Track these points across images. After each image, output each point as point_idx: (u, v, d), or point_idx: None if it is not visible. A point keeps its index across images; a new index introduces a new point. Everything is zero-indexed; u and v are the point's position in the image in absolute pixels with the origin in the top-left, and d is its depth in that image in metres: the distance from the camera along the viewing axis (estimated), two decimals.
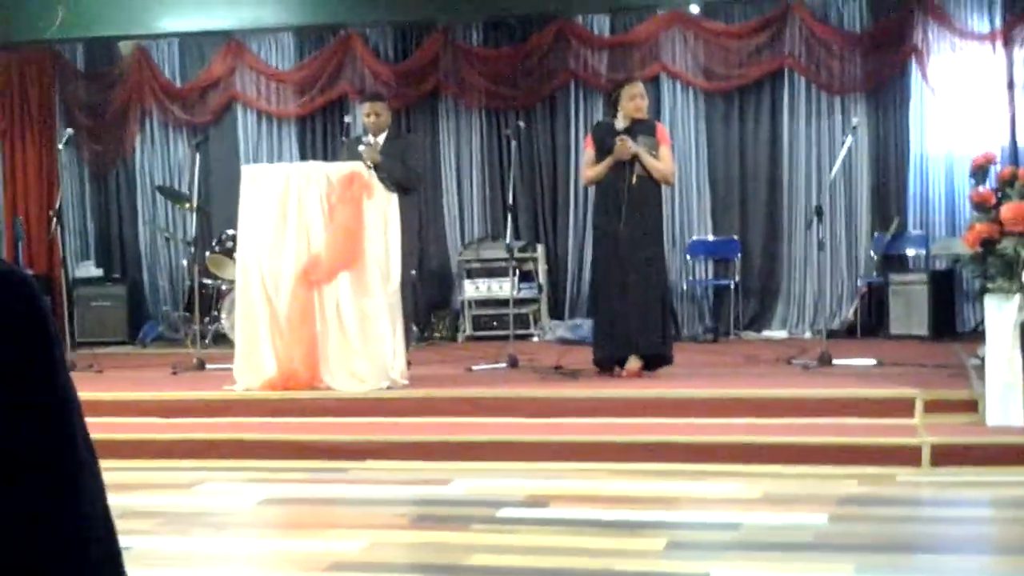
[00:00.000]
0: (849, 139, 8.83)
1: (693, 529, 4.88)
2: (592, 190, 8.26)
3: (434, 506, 5.40)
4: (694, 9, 11.10)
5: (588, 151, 7.91)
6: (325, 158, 10.92)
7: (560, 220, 11.66)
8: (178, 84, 12.21)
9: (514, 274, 9.86)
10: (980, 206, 6.24)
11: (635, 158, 7.59)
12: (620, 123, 7.74)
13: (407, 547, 4.74)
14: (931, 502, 5.41)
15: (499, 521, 5.03)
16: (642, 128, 7.72)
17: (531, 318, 11.11)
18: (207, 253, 10.22)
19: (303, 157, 11.74)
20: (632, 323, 7.61)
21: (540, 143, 11.69)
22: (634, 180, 7.60)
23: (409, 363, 7.69)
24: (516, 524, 4.97)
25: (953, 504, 5.33)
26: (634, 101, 7.73)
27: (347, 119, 9.99)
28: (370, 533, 4.86)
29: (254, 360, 7.37)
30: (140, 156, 12.34)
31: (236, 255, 7.97)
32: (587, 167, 7.93)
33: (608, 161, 7.66)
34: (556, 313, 11.45)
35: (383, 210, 7.47)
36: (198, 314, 9.49)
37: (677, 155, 11.11)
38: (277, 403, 7.10)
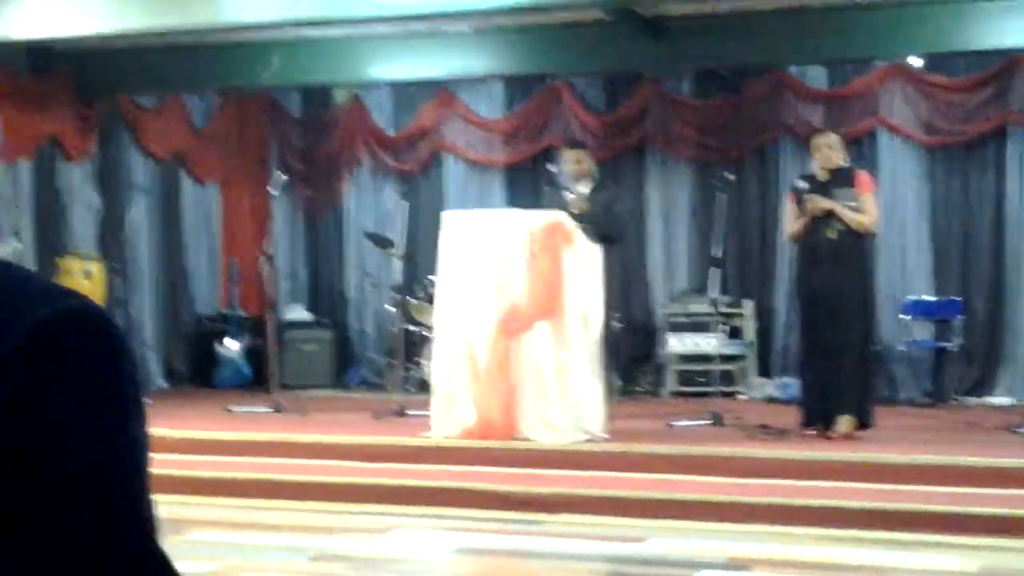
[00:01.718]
0: None
1: None
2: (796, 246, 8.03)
3: (629, 564, 5.22)
4: (915, 62, 10.69)
5: (790, 206, 7.72)
6: (531, 207, 10.92)
7: (770, 276, 11.33)
8: (389, 132, 12.43)
9: (720, 329, 9.61)
10: None
11: (830, 213, 7.35)
12: (820, 175, 7.54)
13: None
14: None
15: None
16: (840, 179, 7.47)
17: (737, 375, 10.81)
18: (412, 300, 10.31)
19: (509, 206, 11.75)
20: (834, 382, 7.32)
21: (750, 196, 11.42)
22: (834, 235, 7.35)
23: (610, 416, 7.53)
24: None
25: None
26: (819, 152, 7.54)
27: (551, 167, 9.96)
28: None
29: (452, 408, 7.33)
30: (350, 202, 12.59)
31: (436, 301, 7.98)
32: (789, 223, 7.74)
33: (803, 219, 7.46)
34: (764, 371, 11.11)
35: (585, 260, 7.36)
36: (402, 360, 9.54)
37: (895, 210, 10.69)
38: (474, 452, 7.05)
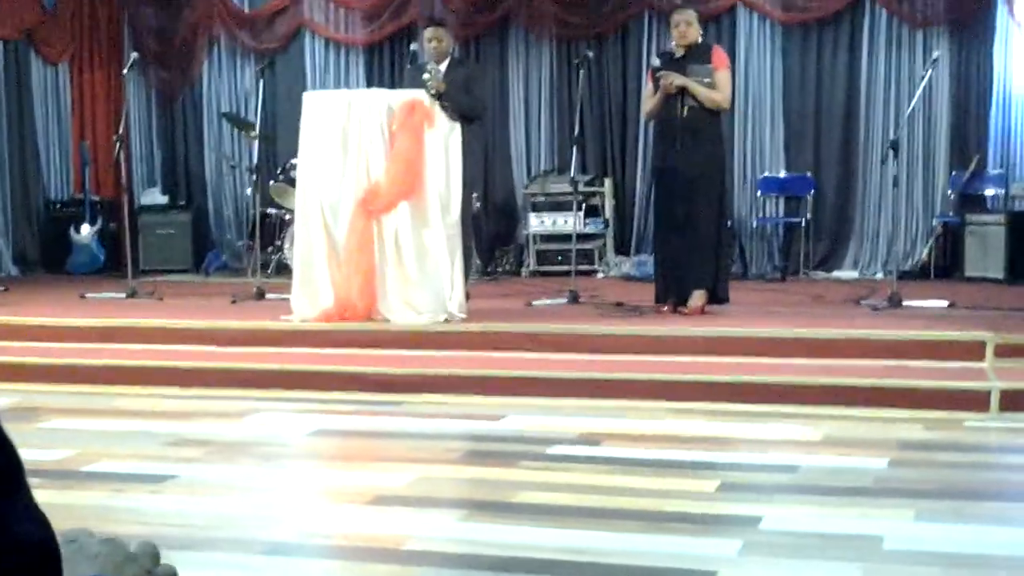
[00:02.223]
0: (929, 73, 8.53)
1: (748, 471, 4.74)
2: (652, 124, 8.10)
3: (485, 442, 5.31)
4: None
5: (648, 85, 7.75)
6: (392, 87, 10.80)
7: (629, 154, 11.46)
8: (246, 10, 12.14)
9: (579, 209, 9.70)
10: None
11: (683, 89, 7.39)
12: (676, 52, 7.57)
13: (454, 482, 4.66)
14: (998, 448, 5.23)
15: (549, 458, 4.93)
16: (696, 55, 7.51)
17: (596, 254, 10.96)
18: (271, 182, 10.18)
19: (370, 85, 11.63)
20: (688, 259, 7.47)
21: (611, 74, 11.47)
22: (685, 112, 7.42)
23: (469, 296, 7.60)
24: (566, 462, 4.87)
25: (1020, 451, 5.14)
26: (677, 29, 7.56)
27: (413, 46, 9.82)
28: (418, 467, 4.78)
29: (311, 290, 7.31)
30: (207, 82, 12.32)
31: (296, 184, 7.90)
32: (645, 100, 7.79)
33: (658, 96, 7.50)
34: (622, 249, 11.29)
35: (445, 140, 7.34)
36: (260, 243, 9.45)
37: (750, 87, 10.85)
38: (333, 334, 7.06)
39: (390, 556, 3.69)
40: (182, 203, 12.07)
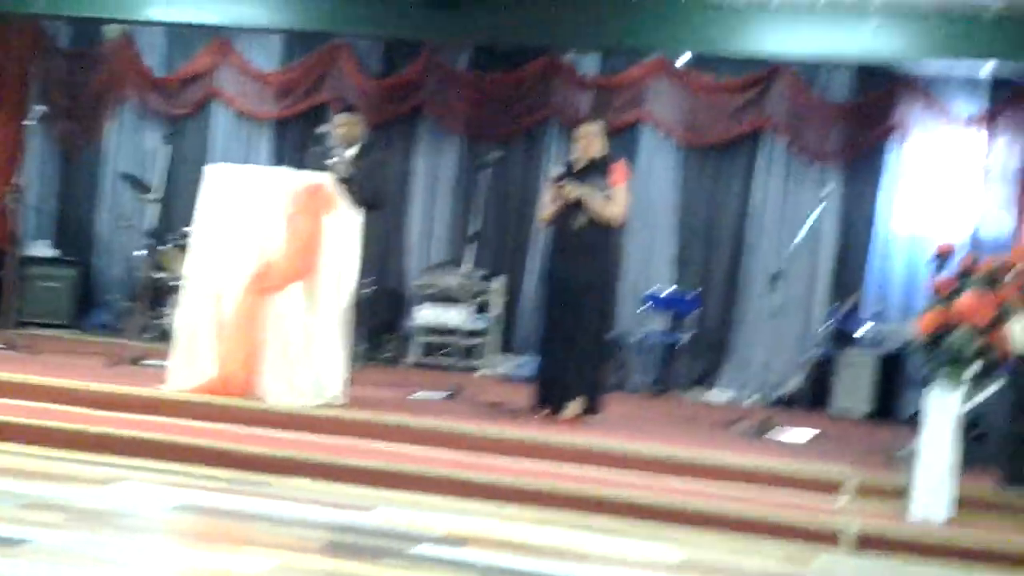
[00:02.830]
0: (819, 208, 8.86)
1: None
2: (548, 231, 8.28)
3: (350, 533, 5.31)
4: (683, 60, 11.12)
5: (548, 192, 7.92)
6: (299, 164, 10.85)
7: (522, 256, 11.64)
8: (159, 73, 12.15)
9: (469, 304, 9.81)
10: (937, 294, 6.24)
11: (579, 201, 7.59)
12: (578, 163, 7.79)
13: (316, 573, 4.65)
14: None
15: (413, 558, 4.95)
16: (597, 168, 7.73)
17: (480, 350, 11.06)
18: (162, 247, 10.13)
19: (277, 160, 11.70)
20: (568, 368, 7.61)
21: (513, 175, 11.69)
22: (580, 223, 7.61)
23: (350, 382, 7.61)
24: (430, 563, 4.90)
25: None
26: (580, 142, 7.79)
27: (320, 128, 9.91)
28: (280, 554, 4.77)
29: (192, 361, 7.29)
30: (111, 141, 12.27)
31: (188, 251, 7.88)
32: (545, 207, 7.97)
33: (556, 205, 7.69)
34: (506, 348, 11.41)
35: (344, 225, 7.41)
36: (146, 307, 9.37)
37: (649, 204, 11.12)
38: (209, 407, 7.02)
39: None
40: (70, 258, 11.91)
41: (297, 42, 11.93)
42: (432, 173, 11.89)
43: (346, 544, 5.12)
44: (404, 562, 4.87)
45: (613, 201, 7.69)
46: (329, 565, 4.77)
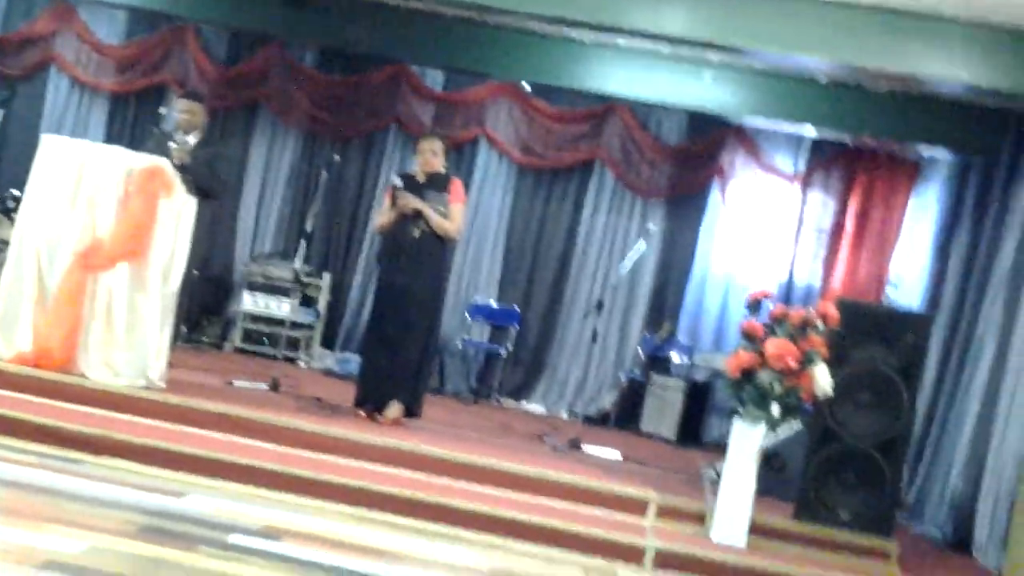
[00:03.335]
0: (642, 242, 9.20)
1: None
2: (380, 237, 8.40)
3: (165, 519, 5.32)
4: (526, 86, 11.39)
5: (387, 200, 8.06)
6: (132, 140, 10.73)
7: (352, 255, 11.72)
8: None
9: (295, 296, 9.84)
10: (748, 336, 6.58)
11: (418, 213, 7.76)
12: (418, 176, 7.94)
13: (129, 557, 4.65)
14: None
15: (229, 547, 5.00)
16: (436, 183, 7.90)
17: (303, 343, 11.09)
18: None
19: (109, 134, 11.50)
20: (392, 371, 7.74)
21: (351, 177, 11.75)
22: (417, 234, 7.78)
23: (171, 364, 7.57)
24: (245, 553, 4.96)
25: None
26: (422, 156, 7.98)
27: (162, 110, 9.82)
28: (93, 535, 4.76)
29: (9, 330, 7.14)
30: None
31: (16, 218, 7.71)
32: (381, 214, 8.10)
33: (392, 213, 7.84)
34: (329, 343, 11.46)
35: (178, 211, 7.38)
36: None
37: (480, 218, 11.35)
38: (23, 379, 6.89)
39: None
40: None
41: (143, 19, 11.75)
42: (269, 165, 11.86)
43: (160, 529, 5.12)
44: (219, 551, 4.91)
45: (451, 218, 7.88)
46: (142, 549, 4.78)
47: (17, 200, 8.68)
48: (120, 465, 6.16)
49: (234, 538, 5.15)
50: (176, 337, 8.10)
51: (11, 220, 8.73)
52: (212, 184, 8.02)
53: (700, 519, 6.72)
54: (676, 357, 11.15)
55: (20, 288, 7.17)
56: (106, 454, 6.23)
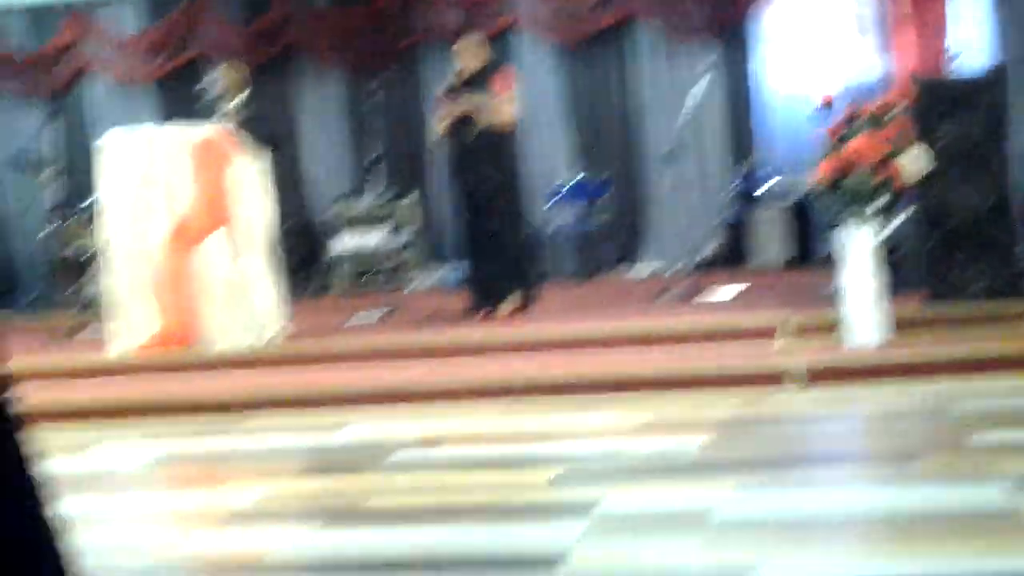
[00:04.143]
0: (701, 82, 9.07)
1: (580, 460, 5.03)
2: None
3: (326, 454, 5.47)
4: None
5: (438, 109, 8.04)
6: (185, 120, 10.80)
7: (429, 170, 11.73)
8: (24, 56, 11.97)
9: (386, 224, 9.92)
10: (828, 142, 6.51)
11: (470, 114, 7.73)
12: (462, 76, 7.90)
13: (303, 495, 4.81)
14: (802, 420, 5.67)
15: (392, 464, 5.13)
16: (481, 79, 7.86)
17: (404, 268, 11.19)
18: (69, 222, 10.07)
19: (162, 120, 11.59)
20: (496, 268, 7.79)
21: (400, 97, 11.72)
22: (474, 134, 7.76)
23: (285, 318, 7.71)
24: (409, 466, 5.09)
25: (822, 420, 5.59)
26: (461, 57, 7.92)
27: (202, 83, 9.87)
28: (265, 484, 4.92)
29: (131, 323, 7.34)
30: None
31: (101, 222, 7.88)
32: (436, 124, 8.09)
33: (447, 119, 7.82)
34: (428, 262, 11.55)
35: (247, 170, 7.47)
36: (63, 281, 9.33)
37: (536, 105, 11.27)
38: (159, 363, 7.10)
39: (253, 570, 3.84)
40: None
41: (158, 5, 11.82)
42: (319, 107, 11.90)
43: (326, 463, 5.28)
44: (384, 470, 5.05)
45: (501, 108, 7.83)
46: (315, 484, 4.94)
47: (93, 206, 8.84)
48: (271, 418, 6.33)
49: (396, 456, 5.28)
50: (284, 293, 8.25)
51: (96, 227, 8.91)
52: (271, 135, 8.10)
53: (834, 329, 6.71)
54: (767, 185, 11.05)
55: (128, 282, 7.34)
56: (254, 411, 6.40)
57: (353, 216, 11.23)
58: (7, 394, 0.89)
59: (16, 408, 0.88)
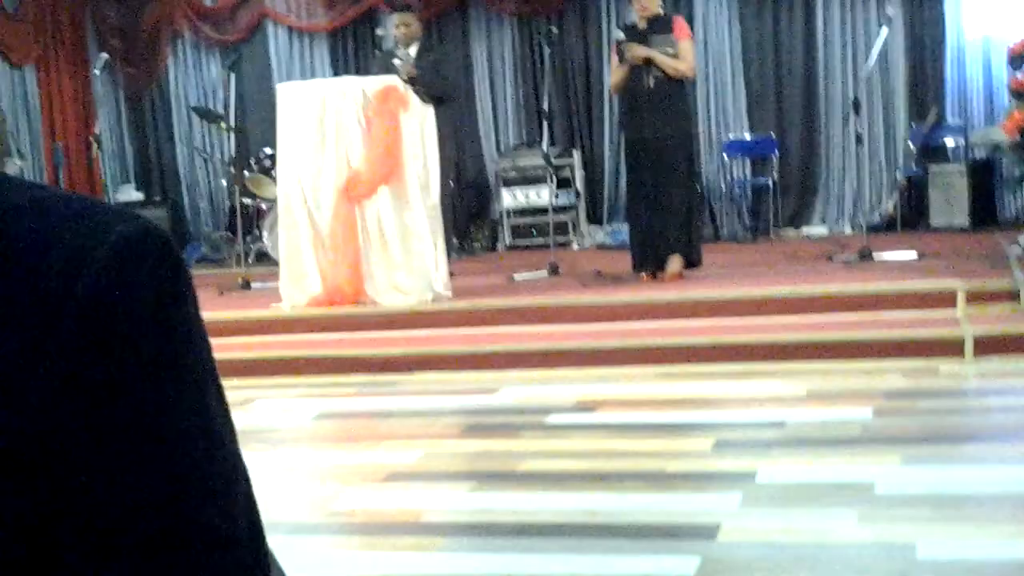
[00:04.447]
0: (884, 30, 8.72)
1: (739, 428, 4.95)
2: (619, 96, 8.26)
3: (484, 415, 5.50)
4: None
5: (614, 57, 7.91)
6: (357, 72, 10.94)
7: (596, 126, 11.64)
8: (208, 2, 12.23)
9: (552, 181, 9.88)
10: (1019, 93, 6.20)
11: (648, 60, 7.57)
12: (639, 24, 7.75)
13: (460, 455, 4.85)
14: (974, 392, 5.47)
15: (548, 427, 5.13)
16: (658, 26, 7.69)
17: (570, 225, 11.14)
18: (246, 173, 10.29)
19: (335, 72, 11.76)
20: (662, 227, 7.66)
21: (573, 48, 11.63)
22: (652, 83, 7.60)
23: (452, 274, 7.77)
24: (565, 430, 5.07)
25: (996, 393, 5.38)
26: (638, 2, 7.72)
27: (379, 32, 9.95)
28: (424, 443, 4.97)
29: (299, 278, 7.47)
30: (174, 77, 12.41)
31: (276, 174, 8.03)
32: (612, 73, 7.96)
33: (623, 68, 7.67)
34: (595, 219, 11.49)
35: (420, 123, 7.49)
36: (240, 234, 9.58)
37: (711, 54, 11.05)
38: (324, 319, 7.22)
39: (409, 529, 3.89)
40: (157, 198, 12.18)
41: None
42: (491, 58, 11.87)
43: (483, 424, 5.30)
44: (542, 432, 5.05)
45: (682, 56, 7.66)
46: (473, 446, 4.97)
47: (272, 157, 9.02)
48: (430, 378, 6.39)
49: (552, 418, 5.27)
50: (450, 250, 8.30)
51: (272, 178, 9.09)
52: (444, 88, 8.12)
53: (1014, 296, 6.42)
54: (951, 141, 10.61)
55: (297, 236, 7.46)
56: (417, 370, 6.47)
57: (521, 171, 11.22)
58: None
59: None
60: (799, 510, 3.75)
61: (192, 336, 0.82)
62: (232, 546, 0.81)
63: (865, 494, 3.84)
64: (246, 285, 8.70)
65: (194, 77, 12.37)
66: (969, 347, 5.87)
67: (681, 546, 3.49)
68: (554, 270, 8.48)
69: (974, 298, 6.49)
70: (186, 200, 12.37)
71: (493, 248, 11.36)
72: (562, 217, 11.05)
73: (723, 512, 3.76)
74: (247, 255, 9.88)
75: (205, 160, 11.83)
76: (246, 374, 6.56)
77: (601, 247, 10.69)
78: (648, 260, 7.83)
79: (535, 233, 11.03)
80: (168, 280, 0.80)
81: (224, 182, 10.70)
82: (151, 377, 0.78)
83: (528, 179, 11.14)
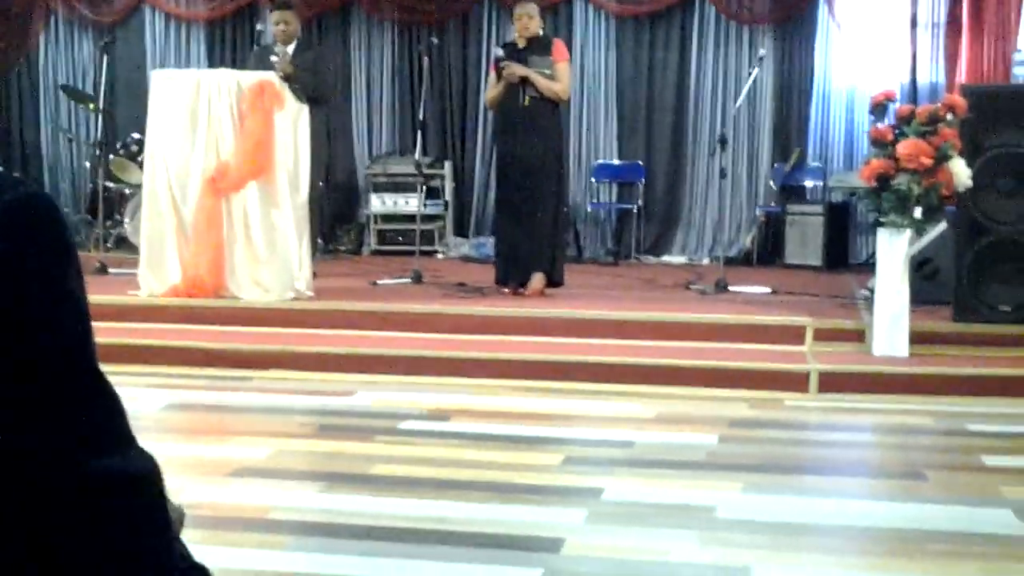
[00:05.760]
0: (755, 70, 8.99)
1: (588, 446, 5.03)
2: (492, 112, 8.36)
3: (337, 416, 5.50)
4: None
5: (492, 74, 8.00)
6: (234, 65, 10.83)
7: (469, 139, 11.72)
8: None
9: (421, 190, 9.91)
10: (878, 142, 6.43)
11: (524, 79, 7.68)
12: (519, 43, 7.85)
13: (311, 455, 4.84)
14: (816, 426, 5.65)
15: (401, 433, 5.15)
16: (538, 47, 7.80)
17: (436, 235, 11.19)
18: (111, 156, 10.10)
19: (211, 63, 11.62)
20: (527, 243, 7.76)
21: (453, 60, 11.69)
22: (526, 101, 7.71)
23: (315, 275, 7.74)
24: (418, 436, 5.10)
25: (837, 429, 5.57)
26: (519, 22, 7.84)
27: (258, 27, 9.87)
28: (274, 441, 4.95)
29: (159, 266, 7.36)
30: (44, 55, 12.11)
31: (142, 160, 7.90)
32: (488, 89, 8.06)
33: (500, 85, 7.77)
34: (461, 231, 11.55)
35: (293, 121, 7.46)
36: (101, 218, 9.39)
37: (587, 79, 11.22)
38: (181, 310, 7.12)
39: (255, 525, 3.87)
40: (16, 176, 11.85)
41: None
42: (370, 62, 11.87)
43: (336, 426, 5.30)
44: (394, 437, 5.06)
45: (558, 78, 7.78)
46: (324, 446, 4.96)
47: (139, 143, 8.87)
48: (286, 375, 6.36)
49: (406, 424, 5.29)
50: (315, 249, 8.26)
51: (138, 164, 8.94)
52: (320, 88, 8.11)
53: (859, 336, 6.67)
54: (810, 182, 10.96)
55: (160, 224, 7.36)
56: (272, 367, 6.43)
57: (391, 177, 11.22)
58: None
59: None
60: (642, 529, 3.83)
61: (75, 292, 0.97)
62: (127, 444, 1.00)
63: (706, 517, 3.94)
64: (103, 270, 8.53)
65: (65, 56, 12.09)
66: (814, 382, 6.07)
67: (526, 558, 3.54)
68: (418, 278, 8.51)
69: (822, 335, 6.72)
70: (47, 180, 12.07)
71: (358, 252, 11.34)
72: (429, 226, 11.10)
73: (568, 527, 3.82)
74: (106, 239, 9.69)
75: (70, 140, 11.57)
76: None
77: (466, 259, 10.75)
78: (511, 275, 7.92)
79: (401, 240, 11.04)
80: (54, 241, 0.94)
81: (88, 164, 10.46)
82: (42, 328, 0.93)
83: (398, 186, 11.16)
